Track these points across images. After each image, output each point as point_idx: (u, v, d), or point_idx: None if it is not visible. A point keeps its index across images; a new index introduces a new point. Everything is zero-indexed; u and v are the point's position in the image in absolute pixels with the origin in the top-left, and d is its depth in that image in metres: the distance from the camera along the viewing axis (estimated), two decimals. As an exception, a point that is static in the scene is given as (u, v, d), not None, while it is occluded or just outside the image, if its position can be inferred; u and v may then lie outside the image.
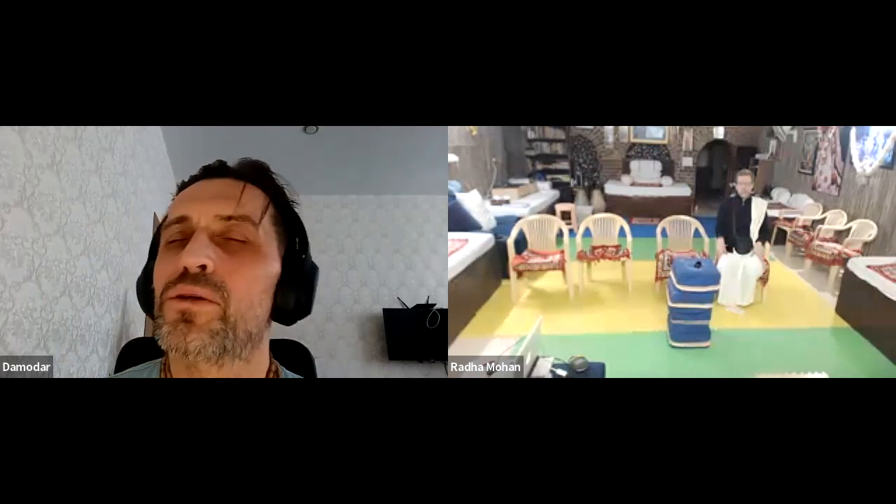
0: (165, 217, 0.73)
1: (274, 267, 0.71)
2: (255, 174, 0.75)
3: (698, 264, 2.51)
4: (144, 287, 0.72)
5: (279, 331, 0.78)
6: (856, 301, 2.70)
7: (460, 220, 3.59)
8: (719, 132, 5.77)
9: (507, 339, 2.58)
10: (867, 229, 3.42)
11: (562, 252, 3.13)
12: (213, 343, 0.64)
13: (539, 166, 5.98)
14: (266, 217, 0.71)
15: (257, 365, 0.73)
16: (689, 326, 2.51)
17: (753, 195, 2.99)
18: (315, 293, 0.76)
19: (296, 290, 0.72)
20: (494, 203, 4.51)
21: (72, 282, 1.82)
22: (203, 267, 0.64)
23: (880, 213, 3.43)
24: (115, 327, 2.26)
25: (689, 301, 2.48)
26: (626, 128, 5.76)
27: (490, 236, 3.29)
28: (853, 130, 3.79)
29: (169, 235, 0.69)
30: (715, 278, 2.52)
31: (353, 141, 3.55)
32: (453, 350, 2.57)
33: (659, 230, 3.23)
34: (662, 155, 5.90)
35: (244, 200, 0.70)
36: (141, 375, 0.79)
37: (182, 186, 0.76)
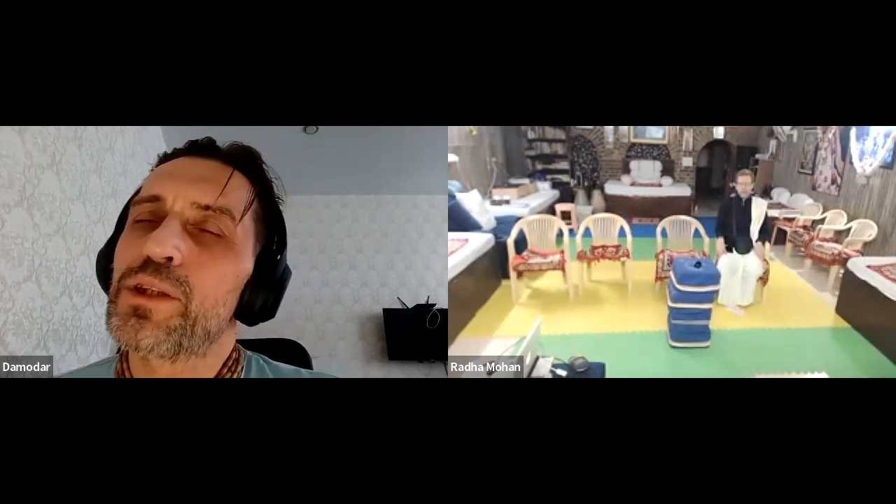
0: (138, 190, 0.65)
1: (246, 266, 0.67)
2: (247, 162, 0.69)
3: (698, 264, 2.51)
4: (105, 264, 0.65)
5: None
6: (856, 301, 2.70)
7: (460, 220, 3.59)
8: (719, 132, 5.77)
9: (507, 339, 2.57)
10: (867, 229, 3.41)
11: (562, 252, 3.13)
12: (168, 340, 0.59)
13: (539, 166, 5.97)
14: (248, 212, 0.66)
15: (214, 358, 0.71)
16: (688, 326, 2.51)
17: (753, 195, 2.99)
18: (283, 297, 0.72)
19: (265, 292, 0.68)
20: (494, 203, 4.51)
21: (72, 282, 1.82)
22: (169, 259, 0.58)
23: (880, 213, 3.42)
24: (115, 327, 2.25)
25: (688, 301, 2.48)
26: (626, 128, 5.76)
27: (490, 236, 3.29)
28: (853, 130, 3.79)
29: (138, 213, 0.62)
30: (715, 278, 2.52)
31: (353, 141, 3.54)
32: (453, 350, 2.56)
33: (659, 230, 3.23)
34: (662, 155, 5.90)
35: (228, 190, 0.64)
36: (99, 370, 0.75)
37: (164, 158, 0.69)
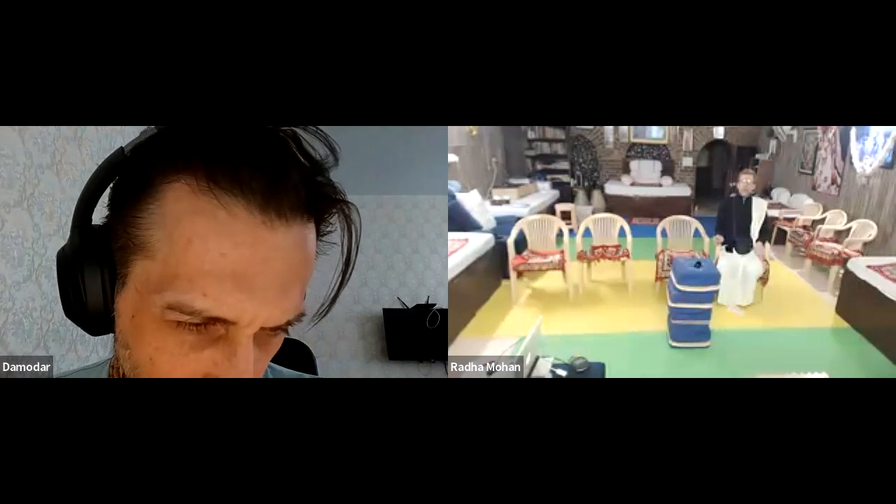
0: (141, 227, 0.51)
1: None
2: (331, 198, 0.55)
3: (698, 264, 2.51)
4: (78, 304, 0.53)
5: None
6: (856, 301, 2.70)
7: (460, 220, 3.59)
8: (719, 132, 5.77)
9: (507, 339, 2.57)
10: (867, 229, 3.41)
11: (562, 252, 3.13)
12: None
13: (539, 166, 5.97)
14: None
15: None
16: (689, 326, 2.51)
17: (754, 195, 2.99)
18: None
19: None
20: (494, 203, 4.51)
21: (72, 282, 1.82)
22: None
23: (880, 213, 3.42)
24: (115, 327, 2.25)
25: (689, 301, 2.48)
26: (626, 128, 5.76)
27: (490, 236, 3.29)
28: (853, 130, 3.79)
29: (183, 318, 0.49)
30: (715, 278, 2.52)
31: (354, 141, 3.54)
32: (453, 350, 2.56)
33: (659, 230, 3.23)
34: (662, 155, 5.90)
35: (307, 286, 0.53)
36: (95, 370, 0.76)
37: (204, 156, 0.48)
